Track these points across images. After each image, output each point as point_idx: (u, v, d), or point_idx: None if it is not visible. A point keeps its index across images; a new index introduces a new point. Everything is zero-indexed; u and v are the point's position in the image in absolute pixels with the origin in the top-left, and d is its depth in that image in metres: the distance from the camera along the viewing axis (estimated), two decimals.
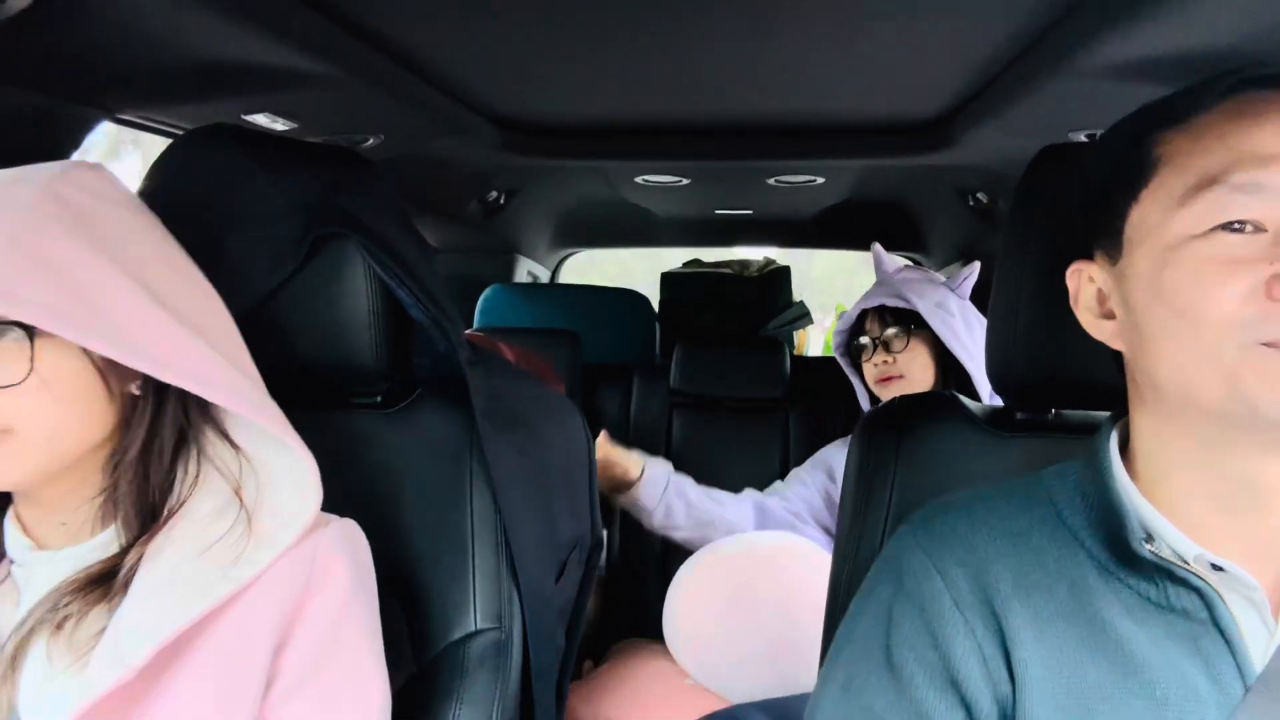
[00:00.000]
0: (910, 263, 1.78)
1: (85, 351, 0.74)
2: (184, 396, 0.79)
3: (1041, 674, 0.68)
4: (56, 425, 0.73)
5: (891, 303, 1.70)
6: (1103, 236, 0.72)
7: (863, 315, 1.76)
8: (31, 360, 0.71)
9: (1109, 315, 0.73)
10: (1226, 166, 0.63)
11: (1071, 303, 0.75)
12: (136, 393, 0.77)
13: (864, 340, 1.76)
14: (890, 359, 1.70)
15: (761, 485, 1.91)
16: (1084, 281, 0.74)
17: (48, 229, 0.71)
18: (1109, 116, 1.41)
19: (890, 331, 1.71)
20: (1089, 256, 0.74)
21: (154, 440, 0.78)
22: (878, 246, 1.85)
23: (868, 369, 1.75)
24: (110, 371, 0.75)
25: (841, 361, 1.83)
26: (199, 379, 0.74)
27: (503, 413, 1.03)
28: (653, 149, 1.99)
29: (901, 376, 1.69)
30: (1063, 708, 0.67)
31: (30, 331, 0.71)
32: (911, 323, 1.70)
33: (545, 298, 2.87)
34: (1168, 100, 0.69)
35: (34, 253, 0.70)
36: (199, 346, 0.75)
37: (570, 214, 3.00)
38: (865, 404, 1.82)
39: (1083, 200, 0.75)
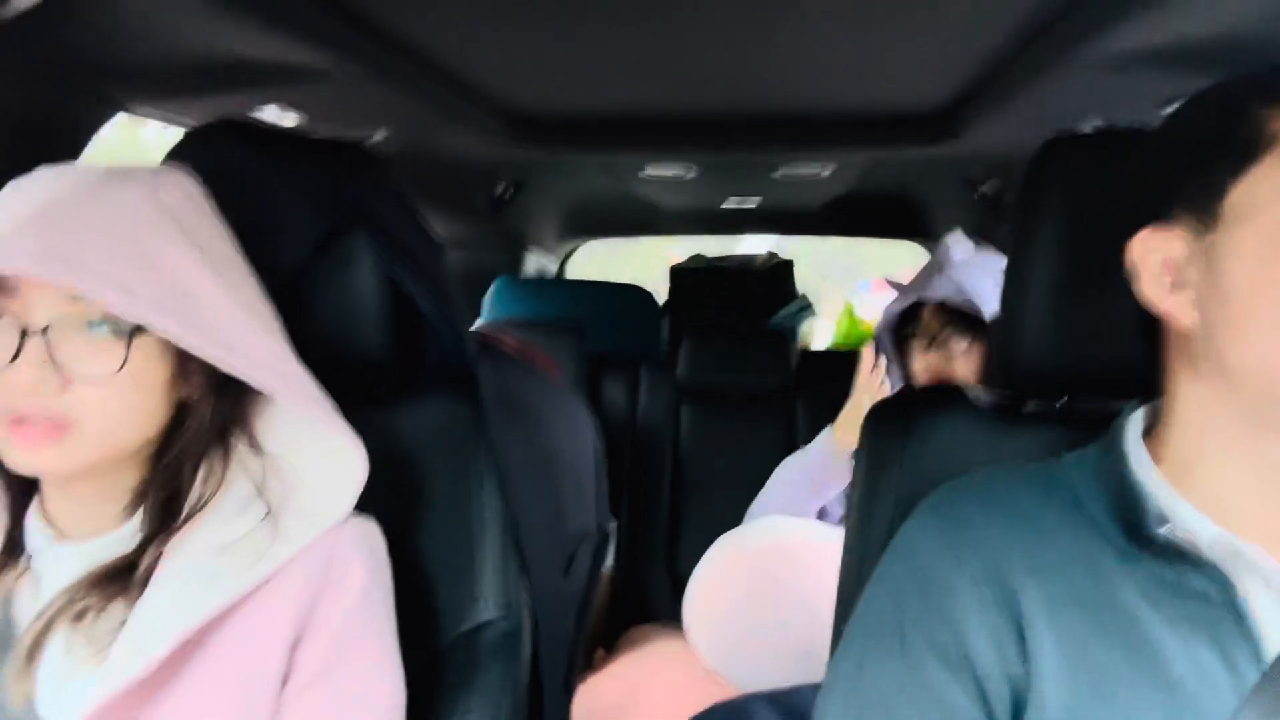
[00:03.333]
0: (974, 245, 1.62)
1: (167, 351, 0.75)
2: (235, 398, 0.81)
3: (1055, 656, 0.68)
4: (118, 422, 0.74)
5: (955, 299, 1.54)
6: (1190, 205, 0.68)
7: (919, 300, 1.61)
8: (126, 357, 0.72)
9: (1179, 287, 0.69)
10: None
11: (1132, 273, 0.71)
12: (191, 394, 0.79)
13: (917, 332, 1.62)
14: (945, 361, 1.58)
15: (768, 476, 1.91)
16: (1150, 250, 0.70)
17: (155, 231, 0.73)
18: (1116, 106, 1.41)
19: (951, 333, 1.57)
20: (1152, 224, 0.70)
21: (199, 441, 0.79)
22: (956, 236, 1.62)
23: (917, 360, 1.63)
24: (182, 372, 0.77)
25: (884, 340, 1.70)
26: (286, 384, 0.76)
27: (510, 405, 1.03)
28: (660, 141, 1.98)
29: (952, 380, 1.57)
30: (1076, 690, 0.67)
31: (128, 328, 0.72)
32: (975, 326, 1.55)
33: (552, 291, 2.87)
34: (1274, 75, 0.67)
35: (144, 253, 0.72)
36: (281, 350, 0.78)
37: (577, 206, 3.00)
38: (895, 387, 1.71)
39: (1157, 167, 0.71)
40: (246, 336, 0.75)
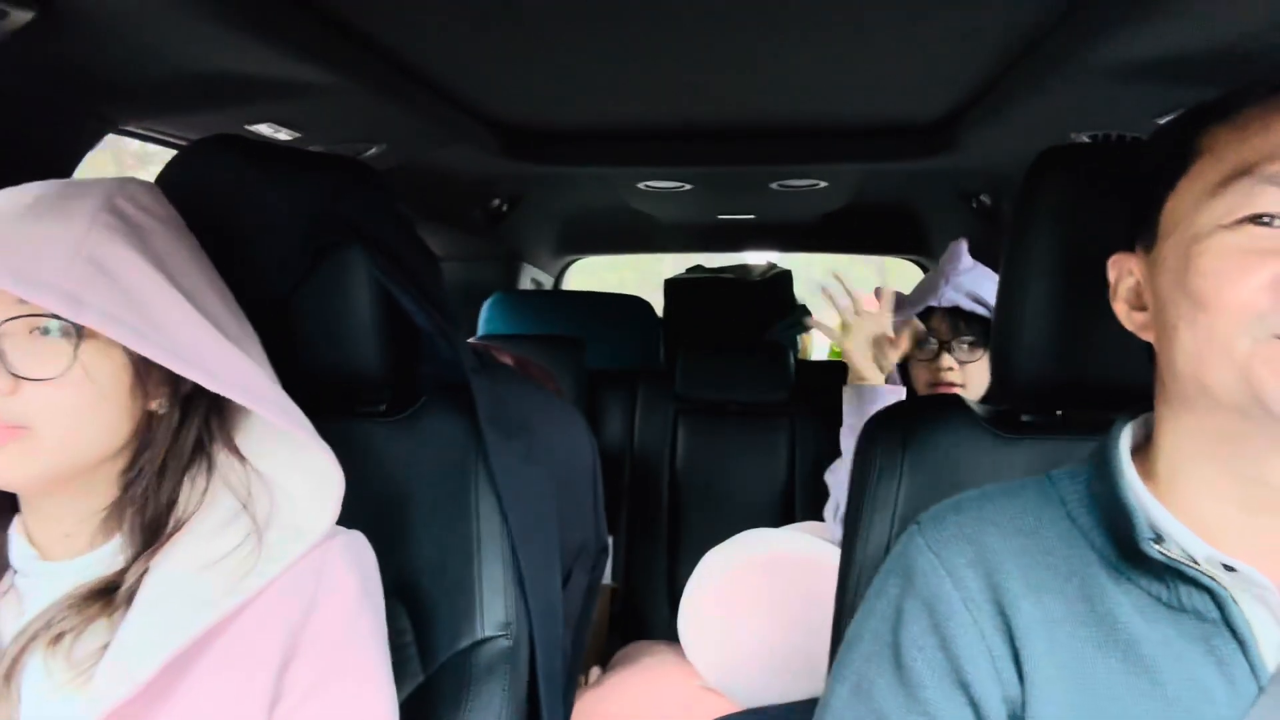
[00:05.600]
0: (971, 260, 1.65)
1: (124, 359, 0.75)
2: (207, 412, 0.80)
3: (1051, 675, 0.67)
4: (75, 429, 0.73)
5: (967, 305, 1.56)
6: (1141, 227, 0.71)
7: (927, 308, 1.63)
8: (74, 357, 0.72)
9: (1142, 307, 0.72)
10: (1261, 158, 0.63)
11: (1110, 294, 0.75)
12: (156, 408, 0.78)
13: (931, 341, 1.63)
14: (956, 367, 1.60)
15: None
16: (1124, 273, 0.74)
17: (106, 239, 0.73)
18: (1111, 117, 1.41)
19: (965, 339, 1.59)
20: (1130, 249, 0.73)
21: (172, 456, 0.78)
22: (962, 244, 1.64)
23: (922, 369, 1.65)
24: (141, 383, 0.76)
25: None
26: (244, 391, 0.75)
27: (507, 420, 1.03)
28: (656, 155, 1.99)
29: (963, 386, 1.59)
30: (1073, 709, 0.66)
31: (78, 333, 0.72)
32: (983, 331, 1.57)
33: (549, 304, 2.87)
34: (1221, 96, 0.69)
35: (95, 260, 0.71)
36: (242, 359, 0.77)
37: (573, 220, 3.00)
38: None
39: (1126, 193, 0.74)
40: (207, 345, 0.74)
